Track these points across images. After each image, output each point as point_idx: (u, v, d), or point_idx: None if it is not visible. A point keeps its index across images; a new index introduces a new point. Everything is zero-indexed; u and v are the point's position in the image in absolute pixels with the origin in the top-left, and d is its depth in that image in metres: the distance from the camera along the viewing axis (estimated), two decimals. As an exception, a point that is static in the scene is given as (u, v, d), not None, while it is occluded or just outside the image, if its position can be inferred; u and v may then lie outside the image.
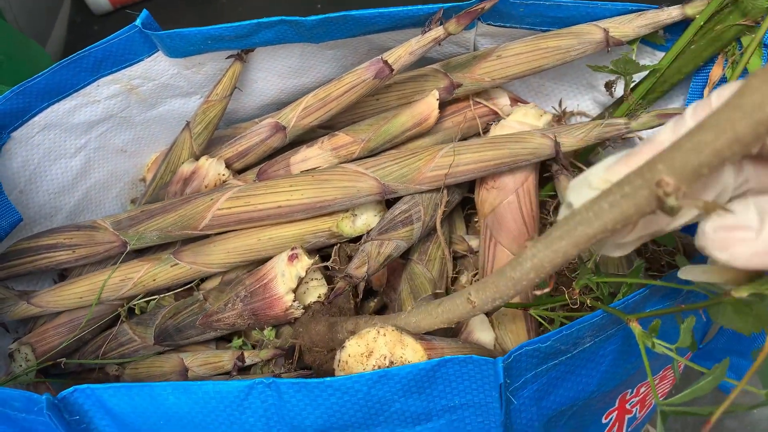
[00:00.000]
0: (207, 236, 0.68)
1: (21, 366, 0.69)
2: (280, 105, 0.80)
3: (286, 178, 0.64)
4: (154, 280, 0.67)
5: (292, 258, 0.60)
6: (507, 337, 0.63)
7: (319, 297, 0.63)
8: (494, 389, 0.46)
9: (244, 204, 0.64)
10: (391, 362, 0.48)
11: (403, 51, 0.61)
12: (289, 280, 0.59)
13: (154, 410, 0.47)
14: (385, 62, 0.62)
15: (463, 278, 0.69)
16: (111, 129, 0.78)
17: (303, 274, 0.60)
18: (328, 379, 0.44)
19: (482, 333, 0.65)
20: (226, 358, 0.63)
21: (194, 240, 0.69)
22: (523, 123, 0.65)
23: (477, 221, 0.75)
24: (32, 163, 0.74)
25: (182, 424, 0.48)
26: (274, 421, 0.47)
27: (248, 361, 0.62)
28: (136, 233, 0.67)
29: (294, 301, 0.60)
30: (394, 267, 0.71)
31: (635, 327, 0.41)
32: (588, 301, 0.51)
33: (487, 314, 0.66)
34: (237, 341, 0.66)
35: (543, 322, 0.57)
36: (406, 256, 0.69)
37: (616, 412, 0.59)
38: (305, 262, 0.60)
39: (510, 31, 0.70)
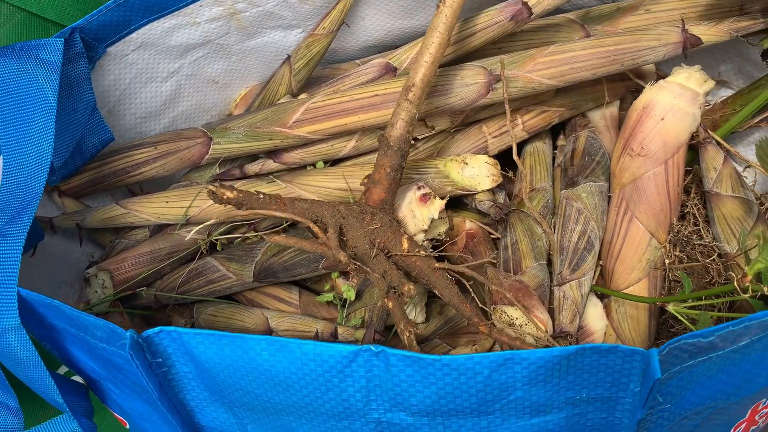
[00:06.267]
0: (297, 147, 0.66)
1: (96, 292, 0.66)
2: (382, 48, 0.75)
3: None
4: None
5: (425, 198, 0.55)
6: (625, 324, 0.57)
7: (439, 235, 0.58)
8: (635, 383, 0.40)
9: (340, 95, 0.62)
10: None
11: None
12: (421, 221, 0.54)
13: (243, 364, 0.43)
14: (525, 4, 0.55)
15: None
16: (206, 56, 0.74)
17: (436, 216, 0.55)
18: (447, 357, 0.39)
19: (594, 319, 0.59)
20: (318, 330, 0.59)
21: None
22: (684, 87, 0.57)
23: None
24: (123, 83, 0.71)
25: (273, 383, 0.43)
26: (375, 394, 0.42)
27: (341, 338, 0.57)
28: (223, 129, 0.66)
29: (424, 241, 0.55)
30: (474, 234, 0.65)
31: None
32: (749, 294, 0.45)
33: (602, 298, 0.60)
34: (327, 296, 0.62)
35: (682, 319, 0.50)
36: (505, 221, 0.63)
37: (745, 423, 0.52)
38: (438, 203, 0.55)
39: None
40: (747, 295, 0.46)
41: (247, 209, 0.52)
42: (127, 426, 0.62)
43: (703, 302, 0.52)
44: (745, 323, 0.39)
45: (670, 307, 0.49)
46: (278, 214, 0.51)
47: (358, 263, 0.50)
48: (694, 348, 0.39)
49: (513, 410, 0.41)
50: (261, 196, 0.52)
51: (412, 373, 0.40)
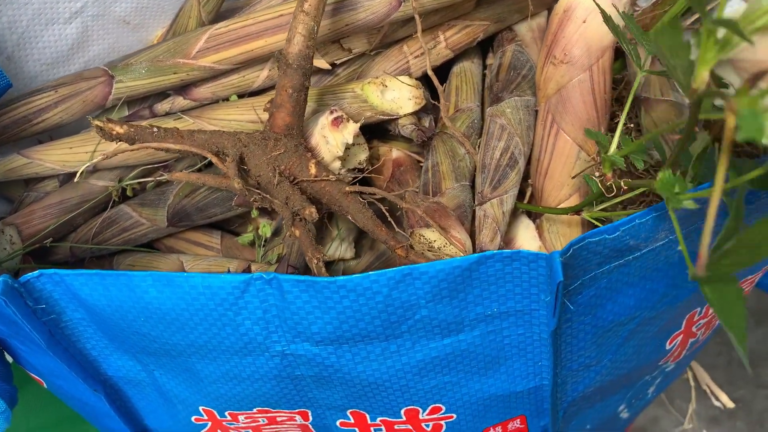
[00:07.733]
0: (206, 80, 0.61)
1: (5, 249, 0.62)
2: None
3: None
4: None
5: (337, 122, 0.51)
6: (558, 243, 0.54)
7: (360, 163, 0.54)
8: (545, 292, 0.37)
9: (244, 19, 0.57)
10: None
11: None
12: (335, 147, 0.50)
13: (133, 304, 0.40)
14: None
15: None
16: (111, -8, 0.69)
17: (350, 140, 0.51)
18: (342, 278, 0.35)
19: (525, 241, 0.56)
20: (231, 269, 0.55)
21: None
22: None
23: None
24: (20, 26, 0.65)
25: (166, 323, 0.40)
26: (274, 326, 0.39)
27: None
28: (125, 66, 0.61)
29: (341, 169, 0.51)
30: (401, 162, 0.62)
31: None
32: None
33: (534, 219, 0.57)
34: (248, 236, 0.58)
35: (598, 225, 0.47)
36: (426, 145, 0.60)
37: (682, 336, 0.50)
38: (352, 126, 0.51)
39: None
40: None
41: (140, 144, 0.48)
42: (44, 385, 0.58)
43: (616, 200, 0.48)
44: (652, 214, 0.36)
45: (584, 214, 0.47)
46: (174, 146, 0.47)
47: (259, 192, 0.46)
48: (604, 248, 0.37)
49: (422, 330, 0.39)
50: (155, 129, 0.48)
51: (308, 299, 0.37)
